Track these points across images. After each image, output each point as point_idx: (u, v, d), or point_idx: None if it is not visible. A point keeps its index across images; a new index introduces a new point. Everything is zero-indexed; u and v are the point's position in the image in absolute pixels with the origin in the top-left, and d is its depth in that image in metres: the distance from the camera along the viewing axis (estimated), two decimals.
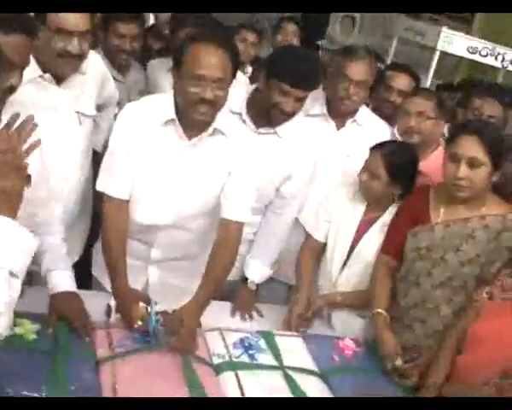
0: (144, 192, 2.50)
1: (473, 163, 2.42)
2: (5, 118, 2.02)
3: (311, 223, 3.04)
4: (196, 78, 2.27)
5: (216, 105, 2.33)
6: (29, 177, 2.10)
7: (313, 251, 3.03)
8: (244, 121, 2.79)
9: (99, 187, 2.50)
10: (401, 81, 3.57)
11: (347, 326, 2.83)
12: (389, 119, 3.36)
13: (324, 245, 3.00)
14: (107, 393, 2.01)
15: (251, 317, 2.81)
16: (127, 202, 2.50)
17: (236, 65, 2.37)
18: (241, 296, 2.90)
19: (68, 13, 2.37)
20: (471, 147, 2.42)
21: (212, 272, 2.44)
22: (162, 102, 2.45)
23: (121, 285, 2.44)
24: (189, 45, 2.30)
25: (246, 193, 2.53)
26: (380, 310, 2.63)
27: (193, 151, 2.46)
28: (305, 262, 3.01)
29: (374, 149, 2.81)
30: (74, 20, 2.39)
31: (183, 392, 2.10)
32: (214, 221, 2.57)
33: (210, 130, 2.43)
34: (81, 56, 2.51)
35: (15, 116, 1.82)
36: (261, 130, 2.78)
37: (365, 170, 2.79)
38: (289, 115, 2.73)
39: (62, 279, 2.31)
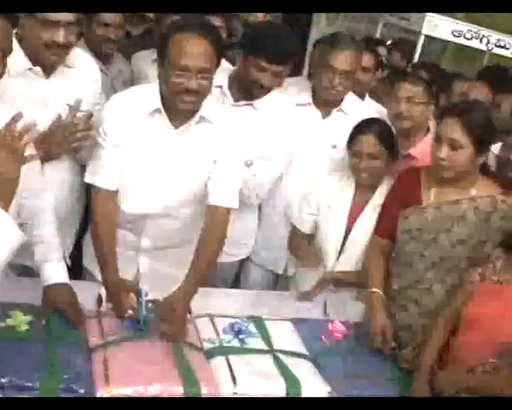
0: (133, 182, 2.53)
1: (454, 145, 2.47)
2: None
3: (295, 216, 3.11)
4: (180, 68, 2.28)
5: (201, 94, 2.36)
6: None
7: (301, 239, 3.10)
8: (224, 94, 2.87)
9: (87, 178, 2.52)
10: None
11: (343, 311, 2.84)
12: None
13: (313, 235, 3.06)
14: (99, 381, 2.04)
15: None
16: (115, 192, 2.52)
17: (221, 53, 2.39)
18: None
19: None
20: (452, 129, 2.47)
21: (200, 259, 2.46)
22: (148, 92, 2.47)
23: (111, 275, 2.46)
24: (173, 35, 2.30)
25: (232, 179, 2.55)
26: (375, 289, 2.66)
27: (180, 139, 2.48)
28: (297, 245, 3.11)
29: (361, 132, 2.85)
30: None
31: (174, 378, 2.12)
32: (202, 208, 2.59)
33: (196, 118, 2.45)
34: (67, 47, 2.50)
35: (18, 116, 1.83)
36: (239, 103, 2.86)
37: (361, 155, 2.82)
38: (268, 90, 2.83)
39: (55, 271, 2.32)
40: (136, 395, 2.03)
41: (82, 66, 2.69)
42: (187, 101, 2.35)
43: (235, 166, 2.57)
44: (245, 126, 2.69)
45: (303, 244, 3.09)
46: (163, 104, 2.42)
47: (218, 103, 2.66)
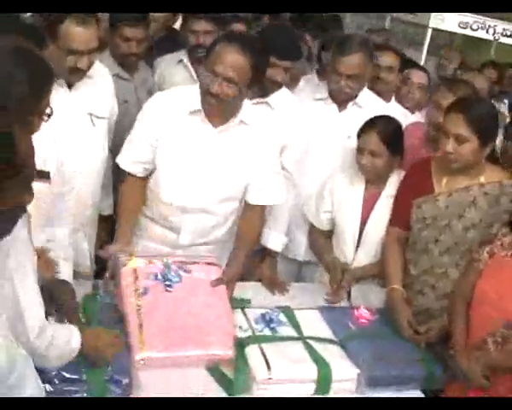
0: (173, 175, 2.70)
1: (459, 139, 2.59)
2: None
3: (313, 215, 3.22)
4: (212, 73, 2.48)
5: (222, 99, 2.52)
6: (48, 173, 2.26)
7: (321, 233, 3.21)
8: None
9: (119, 160, 2.79)
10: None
11: (367, 298, 2.94)
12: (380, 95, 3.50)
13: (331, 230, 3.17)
14: (135, 345, 2.23)
15: (283, 292, 3.01)
16: (143, 179, 2.78)
17: (259, 70, 2.58)
18: (268, 274, 3.11)
19: (78, 34, 2.50)
20: (457, 124, 2.60)
21: (242, 250, 2.79)
22: (189, 93, 2.66)
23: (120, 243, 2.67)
24: (219, 43, 2.51)
25: (272, 178, 2.80)
26: (395, 286, 2.76)
27: (220, 138, 2.66)
28: (316, 242, 3.21)
29: (366, 129, 2.95)
30: (84, 41, 2.53)
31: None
32: (237, 206, 2.80)
33: (236, 121, 2.64)
34: (89, 68, 2.65)
35: None
36: (253, 101, 2.96)
37: (363, 152, 2.93)
38: (280, 85, 3.03)
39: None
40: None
41: (100, 76, 2.83)
42: (210, 102, 2.54)
43: (274, 164, 2.80)
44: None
45: (321, 241, 3.20)
46: (202, 106, 2.60)
47: (254, 107, 2.82)
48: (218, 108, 2.57)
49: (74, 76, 2.65)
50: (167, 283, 2.48)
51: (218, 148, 2.67)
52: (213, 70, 2.48)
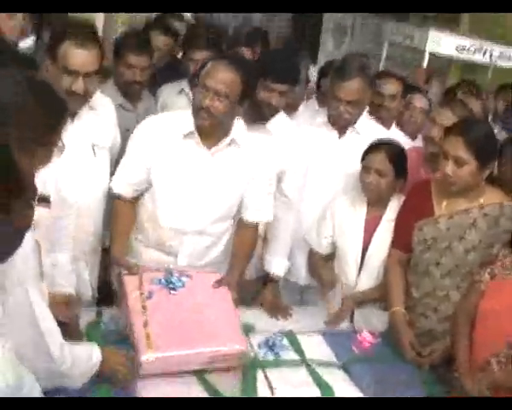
0: (171, 199, 2.74)
1: (458, 161, 2.62)
2: None
3: (314, 239, 3.23)
4: (203, 88, 2.57)
5: (213, 113, 2.59)
6: (48, 198, 2.29)
7: (319, 259, 3.23)
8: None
9: (112, 184, 2.82)
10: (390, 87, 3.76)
11: (369, 322, 2.95)
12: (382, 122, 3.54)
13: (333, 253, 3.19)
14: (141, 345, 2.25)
15: (287, 316, 3.00)
16: (132, 202, 2.84)
17: (249, 86, 2.65)
18: (270, 299, 3.11)
19: (75, 54, 2.52)
20: (456, 147, 2.62)
21: (235, 268, 2.82)
22: (182, 117, 2.73)
23: (116, 252, 2.77)
24: (210, 61, 2.62)
25: (264, 196, 2.86)
26: (397, 308, 2.78)
27: (213, 160, 2.71)
28: (315, 266, 3.22)
29: (373, 149, 2.99)
30: (80, 62, 2.53)
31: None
32: (230, 225, 2.87)
33: (227, 140, 2.70)
34: (86, 95, 2.64)
35: None
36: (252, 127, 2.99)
37: (370, 171, 2.96)
38: (276, 109, 3.06)
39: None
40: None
41: (102, 106, 2.85)
42: (202, 116, 2.61)
43: (267, 184, 2.86)
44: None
45: (320, 265, 3.21)
46: (196, 127, 2.66)
47: (245, 128, 2.85)
48: (211, 125, 2.62)
49: (72, 103, 2.55)
50: (171, 286, 2.53)
51: (212, 169, 2.72)
52: (204, 85, 2.56)
